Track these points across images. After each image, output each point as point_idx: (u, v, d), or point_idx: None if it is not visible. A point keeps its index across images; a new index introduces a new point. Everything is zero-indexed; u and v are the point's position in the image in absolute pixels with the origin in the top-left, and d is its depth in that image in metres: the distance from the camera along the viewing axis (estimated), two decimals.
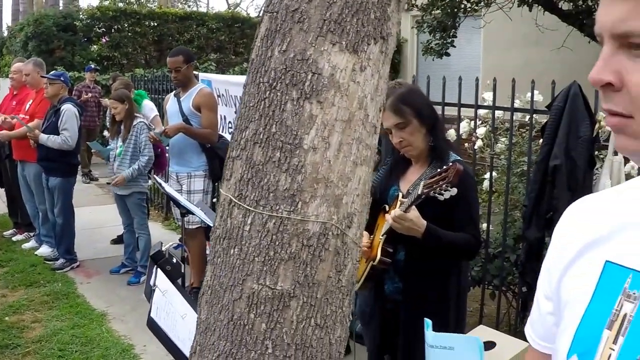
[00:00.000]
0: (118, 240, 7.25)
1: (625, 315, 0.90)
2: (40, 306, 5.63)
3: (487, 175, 4.53)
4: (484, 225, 4.55)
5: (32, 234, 7.62)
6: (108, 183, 10.56)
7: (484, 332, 3.94)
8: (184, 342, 2.40)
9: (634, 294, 0.90)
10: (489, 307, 4.92)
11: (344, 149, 1.78)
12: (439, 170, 2.46)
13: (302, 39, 1.76)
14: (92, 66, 12.02)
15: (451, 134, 4.57)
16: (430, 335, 0.76)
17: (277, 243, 1.77)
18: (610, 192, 1.08)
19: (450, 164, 2.43)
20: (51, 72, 7.07)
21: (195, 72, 9.99)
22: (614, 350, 0.90)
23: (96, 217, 8.63)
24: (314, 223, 1.77)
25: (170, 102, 5.88)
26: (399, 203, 2.69)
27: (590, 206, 1.09)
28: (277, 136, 1.76)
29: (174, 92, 5.99)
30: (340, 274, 1.86)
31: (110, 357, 4.64)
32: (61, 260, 6.72)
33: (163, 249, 2.79)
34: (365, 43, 1.79)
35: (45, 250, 7.07)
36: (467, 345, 0.73)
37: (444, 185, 2.38)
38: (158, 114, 7.76)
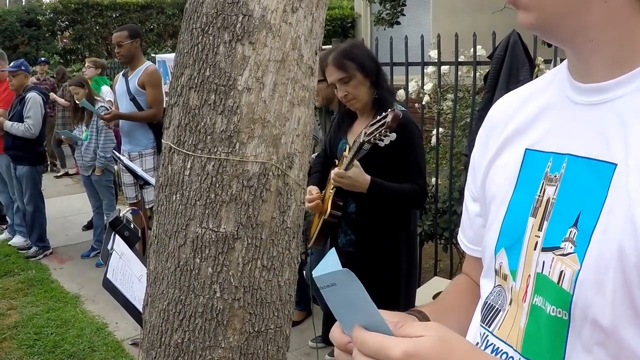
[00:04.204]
0: (89, 226, 7.23)
1: (548, 199, 0.88)
2: (15, 294, 5.61)
3: (435, 132, 4.54)
4: (433, 180, 4.62)
5: (4, 226, 7.57)
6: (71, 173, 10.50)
7: (438, 283, 4.01)
8: (141, 301, 2.41)
9: (555, 176, 0.88)
10: (444, 262, 5.01)
11: (279, 89, 1.79)
12: (378, 117, 2.48)
13: None
14: (43, 59, 11.77)
15: (400, 94, 4.60)
16: (316, 276, 0.75)
17: (217, 185, 1.78)
18: (525, 87, 1.07)
19: (390, 110, 2.45)
20: (10, 64, 6.96)
21: (153, 55, 9.84)
22: (539, 237, 0.88)
23: (68, 206, 8.59)
24: (253, 163, 1.78)
25: (119, 82, 5.82)
26: (343, 159, 2.72)
27: (510, 101, 1.08)
28: (212, 79, 1.76)
29: (122, 72, 5.93)
30: (285, 214, 1.88)
31: (85, 337, 4.66)
32: (34, 248, 6.69)
33: (120, 215, 2.80)
34: None
35: (18, 240, 7.02)
36: (345, 275, 0.73)
37: (383, 131, 2.40)
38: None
